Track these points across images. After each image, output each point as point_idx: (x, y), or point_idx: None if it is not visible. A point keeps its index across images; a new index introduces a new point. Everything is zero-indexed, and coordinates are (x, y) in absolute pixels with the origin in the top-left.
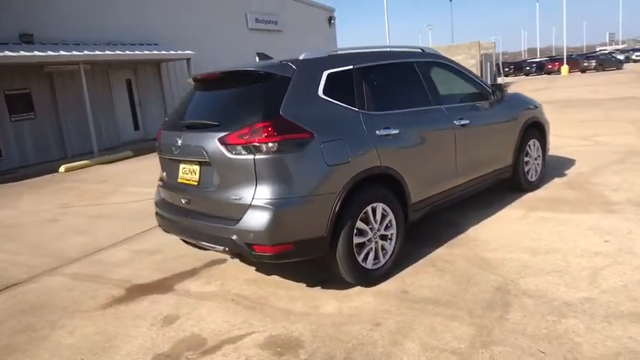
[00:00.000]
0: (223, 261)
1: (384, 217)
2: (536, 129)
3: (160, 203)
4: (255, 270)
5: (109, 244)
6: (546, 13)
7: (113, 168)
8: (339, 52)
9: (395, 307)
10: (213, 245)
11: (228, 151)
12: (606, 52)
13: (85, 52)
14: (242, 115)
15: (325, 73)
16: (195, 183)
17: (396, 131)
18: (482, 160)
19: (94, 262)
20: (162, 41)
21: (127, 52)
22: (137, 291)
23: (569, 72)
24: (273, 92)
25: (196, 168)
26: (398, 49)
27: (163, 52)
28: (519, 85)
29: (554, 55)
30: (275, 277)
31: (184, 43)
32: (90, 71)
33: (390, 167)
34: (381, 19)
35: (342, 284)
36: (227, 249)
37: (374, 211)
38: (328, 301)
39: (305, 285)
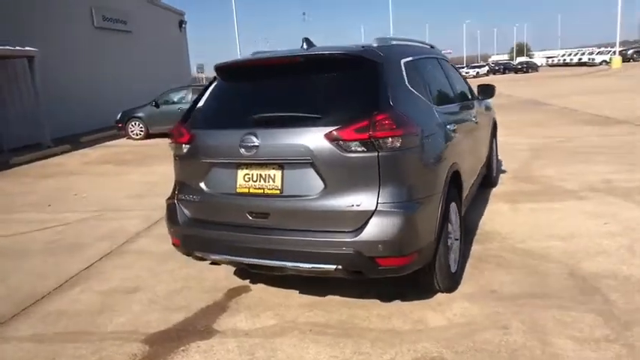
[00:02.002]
0: (246, 289)
1: (455, 216)
2: (494, 127)
3: (192, 223)
4: (300, 293)
5: (49, 290)
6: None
7: None
8: (397, 42)
9: (501, 307)
10: (315, 265)
11: (343, 148)
12: None
13: None
14: (347, 106)
15: (402, 62)
16: (277, 191)
17: (455, 127)
18: (480, 157)
19: (52, 315)
20: None
21: None
22: (165, 341)
23: None
24: (375, 80)
25: (276, 173)
26: (422, 44)
27: None
28: None
29: None
30: (334, 298)
31: (21, 39)
32: None
33: (458, 164)
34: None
35: (418, 294)
36: (340, 267)
37: (452, 210)
38: (425, 313)
39: (379, 301)
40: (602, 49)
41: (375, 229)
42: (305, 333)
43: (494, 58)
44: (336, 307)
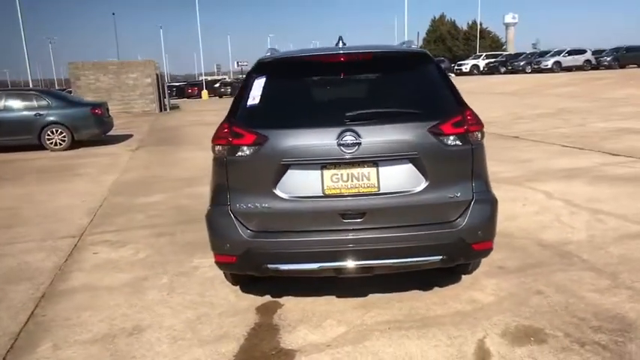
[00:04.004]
0: (277, 304)
1: None
2: None
3: (258, 234)
4: (338, 297)
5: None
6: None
7: None
8: None
9: (520, 278)
10: (420, 259)
11: (443, 142)
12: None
13: None
14: (432, 101)
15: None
16: (374, 189)
17: None
18: None
19: None
20: None
21: None
22: None
23: (209, 96)
24: (443, 77)
25: (370, 170)
26: None
27: None
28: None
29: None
30: (376, 296)
31: None
32: None
33: None
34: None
35: (445, 279)
36: (445, 257)
37: None
38: (471, 294)
39: (421, 291)
40: None
41: (475, 216)
42: (387, 332)
43: None
44: (388, 303)
